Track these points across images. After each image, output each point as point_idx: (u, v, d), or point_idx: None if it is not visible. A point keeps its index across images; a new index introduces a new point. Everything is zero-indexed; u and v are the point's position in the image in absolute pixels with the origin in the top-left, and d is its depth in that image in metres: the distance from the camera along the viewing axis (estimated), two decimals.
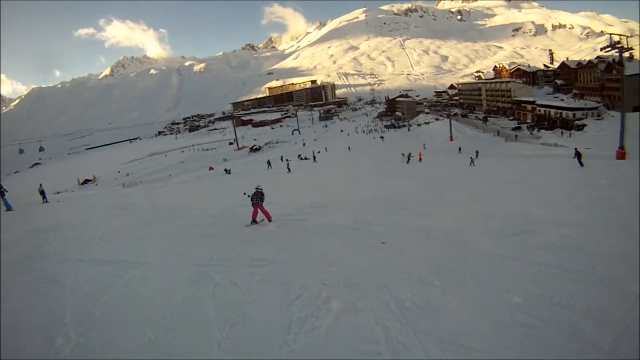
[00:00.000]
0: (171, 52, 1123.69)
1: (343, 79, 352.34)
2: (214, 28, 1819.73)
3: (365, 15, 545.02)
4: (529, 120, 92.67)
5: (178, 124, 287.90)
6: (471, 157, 38.10)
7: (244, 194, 12.82)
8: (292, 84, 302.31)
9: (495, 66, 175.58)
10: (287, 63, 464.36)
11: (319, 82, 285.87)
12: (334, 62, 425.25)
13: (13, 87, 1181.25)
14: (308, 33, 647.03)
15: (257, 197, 12.23)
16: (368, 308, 5.80)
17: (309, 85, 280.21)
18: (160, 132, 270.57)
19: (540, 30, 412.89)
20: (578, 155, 27.42)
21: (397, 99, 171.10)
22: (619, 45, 29.27)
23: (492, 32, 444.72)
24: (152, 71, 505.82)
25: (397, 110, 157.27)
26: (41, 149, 67.83)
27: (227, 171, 50.75)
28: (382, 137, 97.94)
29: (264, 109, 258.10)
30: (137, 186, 48.71)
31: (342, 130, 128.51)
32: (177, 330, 5.63)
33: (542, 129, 78.61)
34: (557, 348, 4.63)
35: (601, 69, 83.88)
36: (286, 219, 12.92)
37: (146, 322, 5.95)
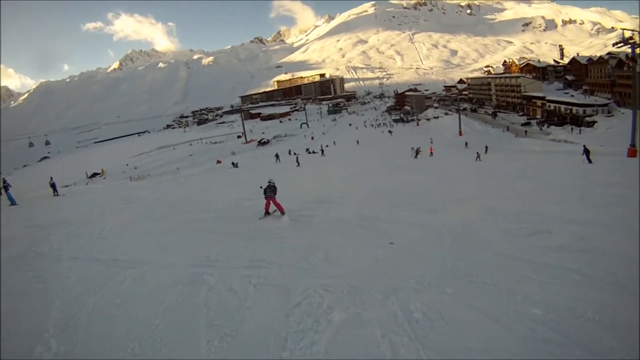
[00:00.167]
0: (179, 45, 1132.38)
1: (352, 73, 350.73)
2: (223, 21, 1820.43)
3: (375, 9, 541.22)
4: (538, 116, 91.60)
5: (186, 117, 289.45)
6: (477, 152, 37.78)
7: (260, 187, 12.83)
8: (301, 77, 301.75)
9: (504, 61, 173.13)
10: (296, 56, 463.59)
11: (327, 76, 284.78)
12: (343, 56, 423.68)
13: (21, 82, 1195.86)
14: (317, 26, 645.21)
15: (271, 190, 12.50)
16: (373, 320, 5.24)
17: (317, 78, 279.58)
18: (168, 126, 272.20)
19: (550, 25, 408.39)
20: (587, 152, 27.14)
21: (406, 93, 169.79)
22: (632, 41, 28.62)
23: (501, 26, 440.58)
24: (161, 64, 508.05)
25: (406, 104, 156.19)
26: (47, 143, 68.31)
27: (235, 164, 50.59)
28: (390, 132, 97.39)
29: (272, 102, 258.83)
30: (145, 179, 48.80)
31: (350, 124, 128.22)
32: (162, 342, 5.16)
33: (552, 125, 77.86)
34: None
35: (612, 65, 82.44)
36: (292, 214, 12.55)
37: (132, 330, 5.49)
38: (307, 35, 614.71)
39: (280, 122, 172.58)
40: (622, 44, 29.74)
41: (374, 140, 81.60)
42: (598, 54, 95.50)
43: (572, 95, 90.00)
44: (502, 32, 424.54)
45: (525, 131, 73.05)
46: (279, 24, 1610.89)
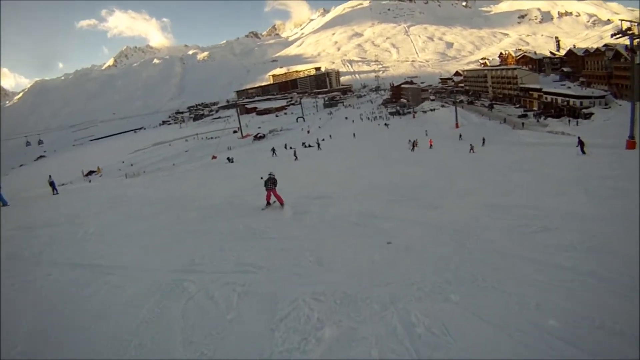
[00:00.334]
0: (174, 41, 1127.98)
1: (347, 66, 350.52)
2: (217, 16, 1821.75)
3: (370, 2, 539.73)
4: (535, 108, 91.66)
5: (182, 112, 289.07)
6: (471, 144, 37.75)
7: (261, 178, 13.40)
8: (296, 71, 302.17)
9: (501, 53, 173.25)
10: (291, 50, 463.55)
11: (323, 69, 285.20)
12: (338, 49, 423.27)
13: (16, 81, 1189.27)
14: (312, 20, 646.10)
15: (271, 182, 13.04)
16: (369, 336, 4.59)
17: (313, 72, 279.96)
18: (164, 122, 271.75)
19: (546, 17, 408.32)
20: (581, 143, 27.17)
21: (402, 85, 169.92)
22: (630, 32, 28.34)
23: (497, 18, 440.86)
24: (155, 60, 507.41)
25: (402, 97, 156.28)
26: (40, 142, 67.98)
27: (230, 160, 50.09)
28: (386, 125, 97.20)
29: (268, 96, 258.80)
30: (140, 176, 48.58)
31: (346, 118, 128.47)
32: None
33: (549, 117, 77.99)
34: None
35: (609, 57, 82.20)
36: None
37: (103, 348, 4.94)
38: (302, 29, 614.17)
39: (276, 116, 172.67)
40: (620, 35, 29.63)
41: (370, 134, 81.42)
42: (594, 46, 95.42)
43: (569, 87, 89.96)
44: (497, 24, 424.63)
45: (523, 123, 73.25)
46: (273, 18, 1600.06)
